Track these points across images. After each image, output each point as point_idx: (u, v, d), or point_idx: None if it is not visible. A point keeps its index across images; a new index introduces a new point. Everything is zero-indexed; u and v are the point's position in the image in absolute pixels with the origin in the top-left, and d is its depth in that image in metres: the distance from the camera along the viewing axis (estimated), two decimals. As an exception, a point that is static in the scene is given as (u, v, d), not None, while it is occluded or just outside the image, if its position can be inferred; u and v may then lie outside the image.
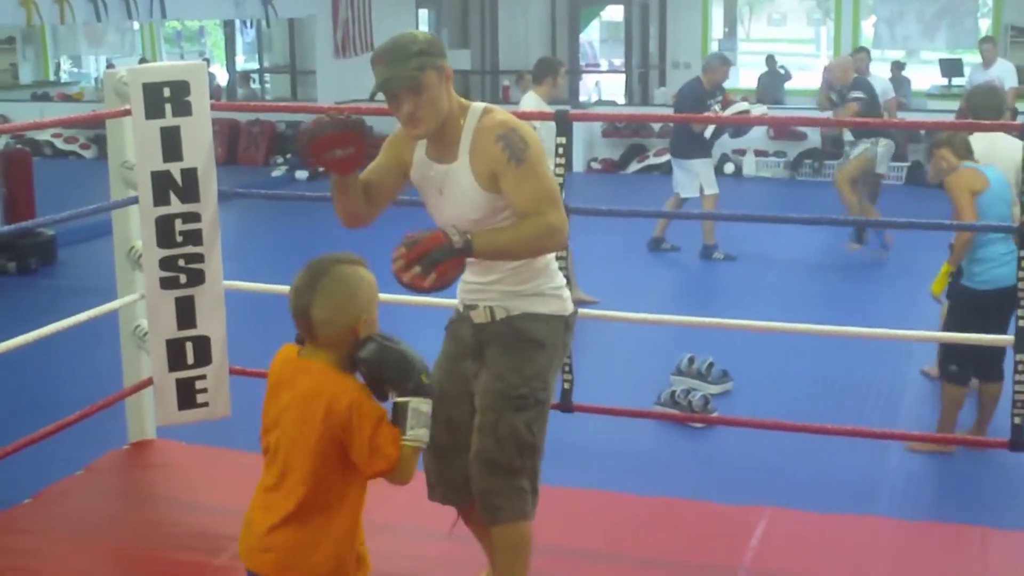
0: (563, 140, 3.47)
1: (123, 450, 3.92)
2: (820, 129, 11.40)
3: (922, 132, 10.90)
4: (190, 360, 3.57)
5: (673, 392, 4.81)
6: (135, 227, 3.69)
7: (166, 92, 3.42)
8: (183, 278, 3.52)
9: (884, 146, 7.76)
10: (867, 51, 9.22)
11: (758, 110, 8.18)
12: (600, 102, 13.63)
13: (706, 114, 7.44)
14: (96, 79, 16.76)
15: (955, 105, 10.70)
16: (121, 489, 3.74)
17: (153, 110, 3.42)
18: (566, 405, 3.58)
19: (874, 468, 4.24)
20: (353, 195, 2.58)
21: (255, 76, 15.79)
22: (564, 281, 2.66)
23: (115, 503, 3.63)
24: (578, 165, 11.95)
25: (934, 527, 3.44)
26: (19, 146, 11.13)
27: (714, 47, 13.73)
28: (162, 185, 3.46)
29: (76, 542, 3.25)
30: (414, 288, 2.40)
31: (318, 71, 12.62)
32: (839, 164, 8.26)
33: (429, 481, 2.73)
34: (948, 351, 4.35)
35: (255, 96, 15.16)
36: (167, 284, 3.51)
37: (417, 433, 2.12)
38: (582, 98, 13.75)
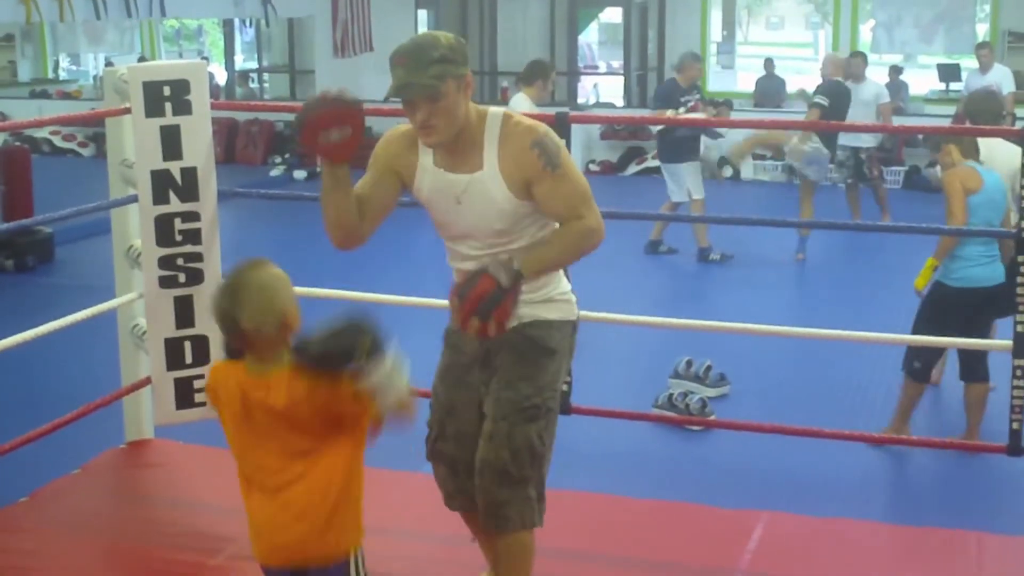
0: (562, 142, 3.47)
1: (120, 449, 3.91)
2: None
3: (919, 137, 10.91)
4: (188, 359, 3.57)
5: (671, 395, 4.81)
6: (134, 226, 3.69)
7: (166, 91, 3.42)
8: (182, 277, 3.52)
9: (814, 150, 7.68)
10: (863, 56, 9.23)
11: (724, 115, 8.22)
12: (598, 104, 13.63)
13: (693, 116, 7.47)
14: (95, 77, 16.73)
15: (952, 110, 10.72)
16: (118, 488, 3.74)
17: (153, 108, 3.43)
18: (564, 407, 3.58)
19: (871, 472, 4.24)
20: (346, 195, 2.45)
21: (254, 75, 15.78)
22: (569, 286, 2.65)
23: (112, 502, 3.63)
24: (578, 166, 11.95)
25: (931, 532, 3.44)
26: (17, 143, 11.12)
27: (712, 50, 13.75)
28: (161, 184, 3.47)
29: (73, 541, 3.25)
30: (481, 337, 2.44)
31: (317, 71, 12.62)
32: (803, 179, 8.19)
33: (447, 491, 2.72)
34: (914, 347, 4.38)
35: (254, 96, 15.14)
36: (166, 283, 3.51)
37: (390, 398, 2.09)
38: (580, 100, 13.76)
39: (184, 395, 3.59)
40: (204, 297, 3.55)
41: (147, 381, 3.75)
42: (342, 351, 2.13)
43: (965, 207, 4.16)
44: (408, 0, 13.31)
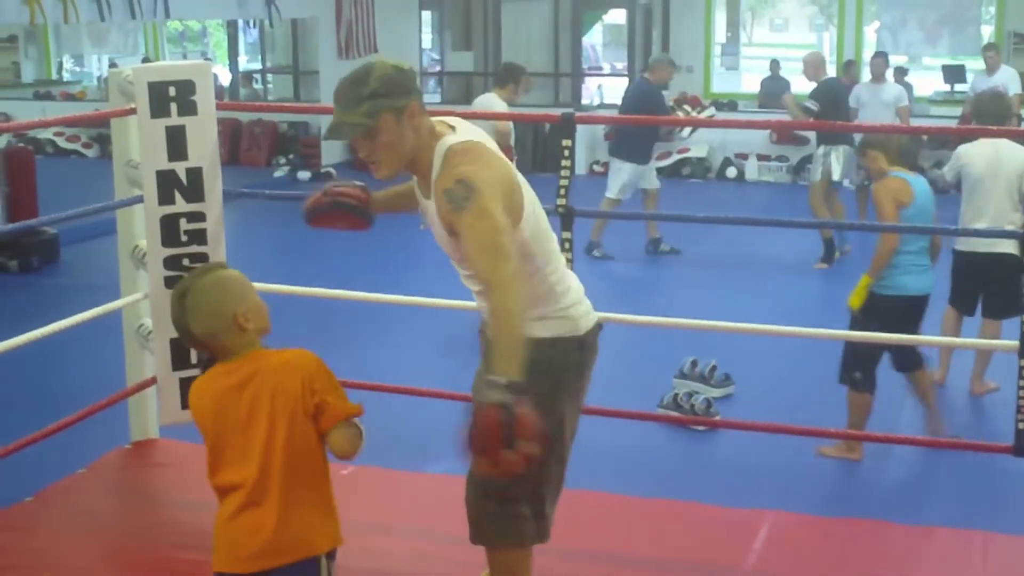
0: (568, 143, 3.47)
1: (125, 449, 3.92)
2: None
3: (924, 138, 10.90)
4: (193, 359, 3.57)
5: (676, 395, 4.81)
6: (139, 226, 3.70)
7: (171, 91, 3.42)
8: (187, 277, 3.52)
9: (840, 154, 7.71)
10: (884, 56, 9.30)
11: (709, 112, 8.26)
12: (602, 105, 13.63)
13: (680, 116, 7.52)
14: (99, 78, 16.75)
15: (958, 111, 10.72)
16: (123, 488, 3.74)
17: (158, 109, 3.43)
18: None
19: (876, 472, 4.24)
20: (394, 209, 2.62)
21: (257, 76, 15.79)
22: (576, 297, 2.51)
23: (117, 502, 3.63)
24: (580, 168, 11.96)
25: (936, 531, 3.44)
26: (21, 144, 11.14)
27: (716, 51, 13.75)
28: (167, 184, 3.47)
29: (78, 540, 3.25)
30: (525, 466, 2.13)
31: (321, 72, 12.62)
32: (811, 182, 8.20)
33: None
34: (851, 358, 4.31)
35: (257, 96, 15.15)
36: (171, 283, 3.50)
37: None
38: (584, 101, 13.76)
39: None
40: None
41: (152, 381, 3.76)
42: None
43: (898, 221, 4.17)
44: (412, 1, 13.31)
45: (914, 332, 4.21)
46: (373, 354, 5.49)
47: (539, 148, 11.76)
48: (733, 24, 15.81)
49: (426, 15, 14.04)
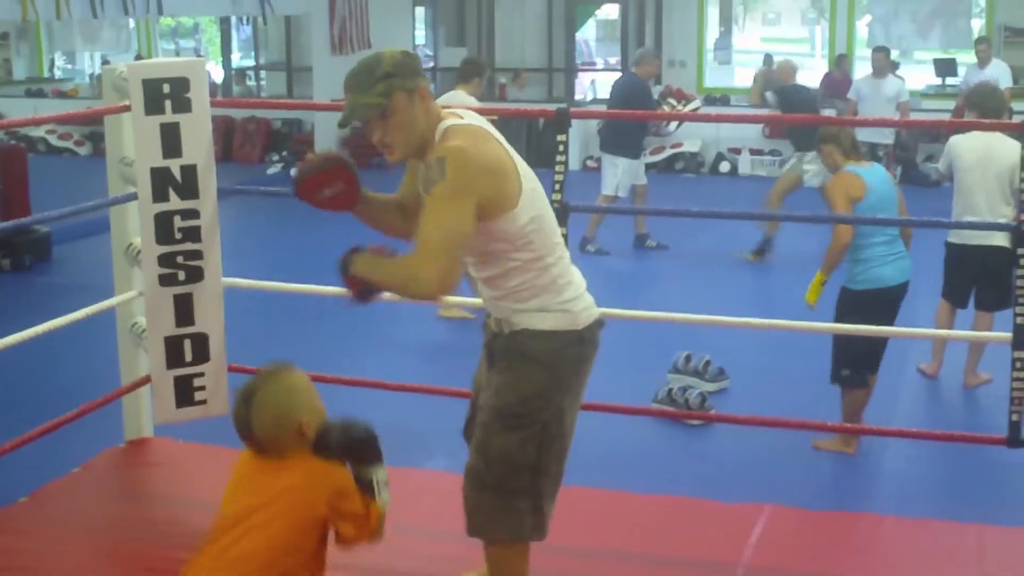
0: (563, 137, 3.47)
1: (120, 448, 3.91)
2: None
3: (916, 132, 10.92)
4: (188, 357, 3.56)
5: (670, 390, 4.81)
6: (133, 224, 3.69)
7: (166, 88, 3.41)
8: (182, 275, 3.51)
9: (811, 162, 7.68)
10: (885, 51, 9.36)
11: (693, 105, 8.27)
12: (596, 100, 13.62)
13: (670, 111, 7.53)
14: (91, 75, 16.69)
15: (949, 105, 10.72)
16: (118, 487, 3.73)
17: (153, 106, 3.42)
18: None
19: (872, 465, 4.25)
20: (377, 219, 2.60)
21: (251, 73, 15.75)
22: (577, 292, 2.52)
23: (112, 501, 3.62)
24: (574, 163, 11.95)
25: (931, 524, 3.45)
26: (13, 142, 11.10)
27: (709, 46, 13.75)
28: (161, 181, 3.46)
29: (72, 540, 3.25)
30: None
31: (314, 68, 12.60)
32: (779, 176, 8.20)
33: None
34: (838, 357, 4.30)
35: (251, 93, 15.11)
36: (166, 281, 3.51)
37: (385, 498, 2.30)
38: (578, 96, 13.75)
39: (184, 393, 3.58)
40: (204, 295, 3.55)
41: (147, 380, 3.75)
42: (368, 446, 2.27)
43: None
44: (405, -3, 13.30)
45: (891, 323, 4.22)
46: (367, 351, 5.48)
47: (533, 144, 11.75)
48: (726, 18, 15.77)
49: (420, 11, 14.01)
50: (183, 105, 3.43)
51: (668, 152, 12.10)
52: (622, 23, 13.76)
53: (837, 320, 4.23)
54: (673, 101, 8.23)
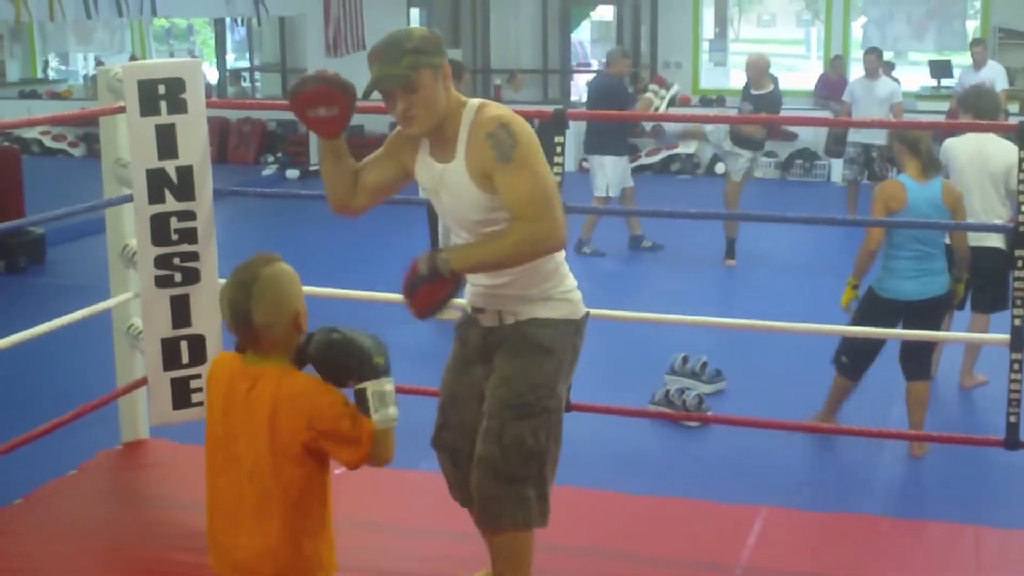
0: (561, 139, 3.47)
1: (116, 450, 3.90)
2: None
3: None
4: (185, 359, 3.55)
5: (667, 391, 4.81)
6: (129, 225, 3.67)
7: (161, 89, 3.40)
8: (178, 276, 3.50)
9: (748, 161, 7.68)
10: (877, 52, 9.38)
11: (675, 90, 8.28)
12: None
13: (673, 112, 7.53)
14: (85, 77, 16.66)
15: (944, 106, 10.73)
16: (114, 489, 3.72)
17: (148, 107, 3.41)
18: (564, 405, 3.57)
19: (868, 467, 4.25)
20: (341, 166, 2.57)
21: (245, 75, 15.73)
22: (575, 283, 2.63)
23: (108, 503, 3.61)
24: (569, 164, 11.96)
25: (929, 525, 3.45)
26: (7, 144, 11.07)
27: (704, 47, 13.77)
28: (157, 183, 3.45)
29: (69, 542, 3.23)
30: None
31: (309, 70, 12.54)
32: (728, 180, 7.91)
33: (449, 481, 2.75)
34: (845, 343, 4.45)
35: (245, 95, 15.09)
36: (162, 283, 3.49)
37: (385, 414, 2.11)
38: (573, 98, 13.75)
39: (181, 395, 3.57)
40: (200, 296, 3.54)
41: (143, 381, 3.74)
42: (351, 357, 2.12)
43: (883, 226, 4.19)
44: (400, -1, 13.29)
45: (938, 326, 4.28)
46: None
47: (528, 145, 11.76)
48: (721, 20, 15.79)
49: (414, 12, 14.00)
50: (179, 106, 3.42)
51: (664, 154, 12.10)
52: (617, 24, 13.77)
53: (856, 315, 4.33)
54: (655, 87, 8.26)
